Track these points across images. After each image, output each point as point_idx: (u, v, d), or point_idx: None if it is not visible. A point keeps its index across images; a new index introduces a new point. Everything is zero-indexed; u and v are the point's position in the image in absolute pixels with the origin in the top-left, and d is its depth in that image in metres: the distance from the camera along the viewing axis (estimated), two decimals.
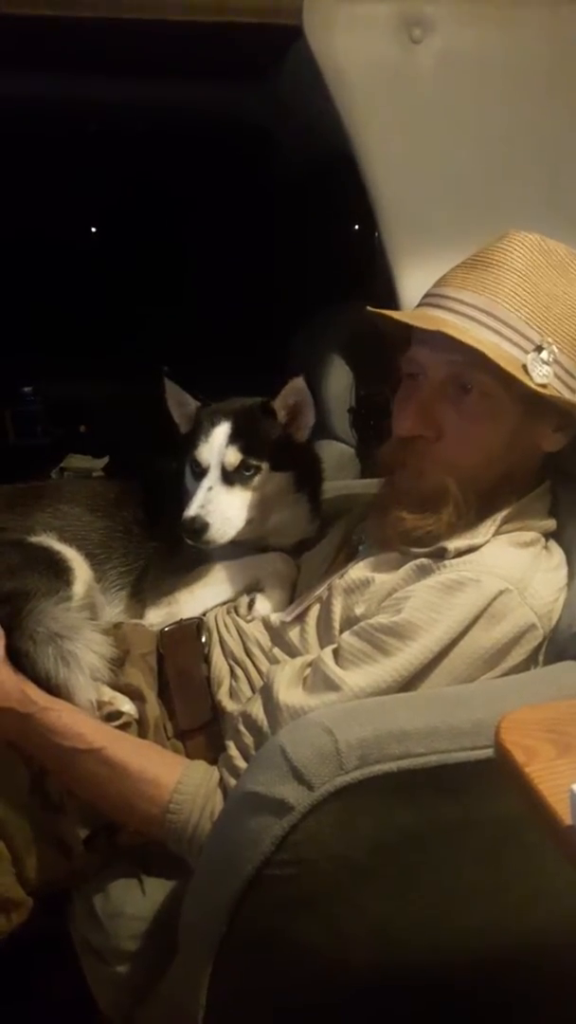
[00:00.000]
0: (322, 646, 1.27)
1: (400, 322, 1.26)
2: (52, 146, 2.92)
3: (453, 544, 1.23)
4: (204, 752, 1.31)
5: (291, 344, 2.81)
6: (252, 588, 1.49)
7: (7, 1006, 1.43)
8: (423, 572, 1.23)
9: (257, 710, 1.20)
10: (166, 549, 1.53)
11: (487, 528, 1.24)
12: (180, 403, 1.58)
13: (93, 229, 3.45)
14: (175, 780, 1.19)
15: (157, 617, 1.48)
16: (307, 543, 1.56)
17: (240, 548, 1.51)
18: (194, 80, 2.50)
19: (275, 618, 1.38)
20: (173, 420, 1.60)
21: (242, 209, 3.13)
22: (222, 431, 1.48)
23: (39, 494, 1.62)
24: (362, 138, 1.84)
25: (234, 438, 1.48)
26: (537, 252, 1.22)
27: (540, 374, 1.18)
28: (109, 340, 3.24)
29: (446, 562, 1.22)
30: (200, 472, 1.48)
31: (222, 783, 1.19)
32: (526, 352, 1.18)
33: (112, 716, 1.31)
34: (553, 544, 1.29)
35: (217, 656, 1.38)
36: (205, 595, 1.49)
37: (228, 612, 1.45)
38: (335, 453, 2.46)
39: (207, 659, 1.38)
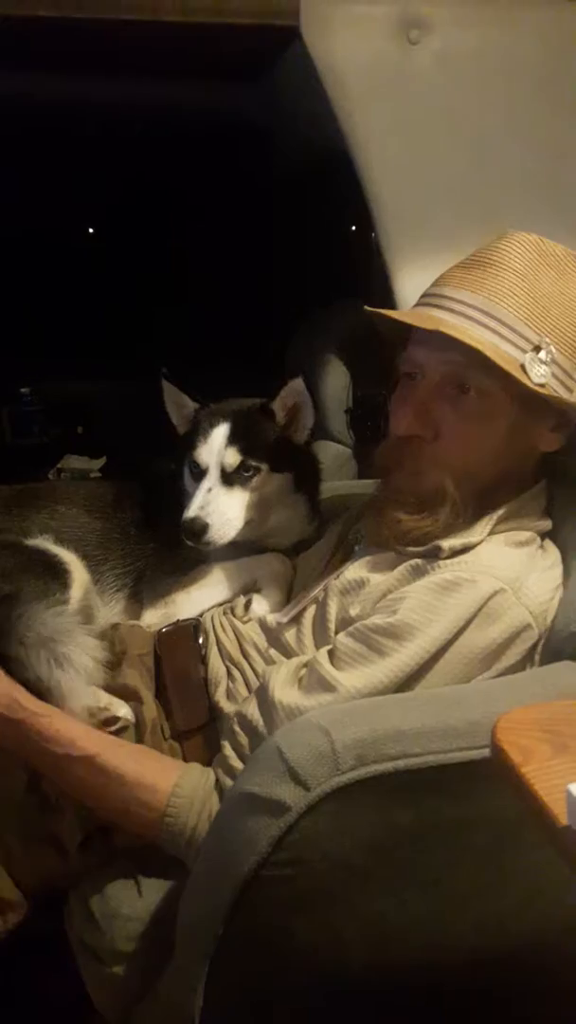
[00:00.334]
0: (318, 647, 1.27)
1: (397, 322, 1.26)
2: (50, 146, 2.91)
3: (448, 543, 1.23)
4: (201, 753, 1.31)
5: (288, 344, 2.81)
6: (249, 589, 1.49)
7: (4, 1007, 1.43)
8: (417, 572, 1.23)
9: (253, 710, 1.20)
10: (163, 550, 1.53)
11: (482, 527, 1.25)
12: (178, 404, 1.58)
13: (91, 230, 3.45)
14: (171, 784, 1.19)
15: (154, 618, 1.48)
16: (305, 543, 1.56)
17: (238, 549, 1.51)
18: (192, 81, 2.50)
19: (271, 619, 1.38)
20: (171, 421, 1.60)
21: (240, 210, 3.13)
22: (221, 432, 1.48)
23: (36, 495, 1.62)
24: (359, 139, 1.85)
25: (233, 439, 1.47)
26: (535, 252, 1.22)
27: (538, 374, 1.18)
28: (107, 341, 3.24)
29: (441, 562, 1.22)
30: (199, 473, 1.48)
31: (218, 784, 1.19)
32: (524, 352, 1.19)
33: (109, 721, 1.31)
34: (548, 543, 1.29)
35: (214, 657, 1.38)
36: (202, 596, 1.49)
37: (225, 613, 1.45)
38: (332, 454, 2.46)
39: (204, 660, 1.38)
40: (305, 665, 1.21)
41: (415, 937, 1.05)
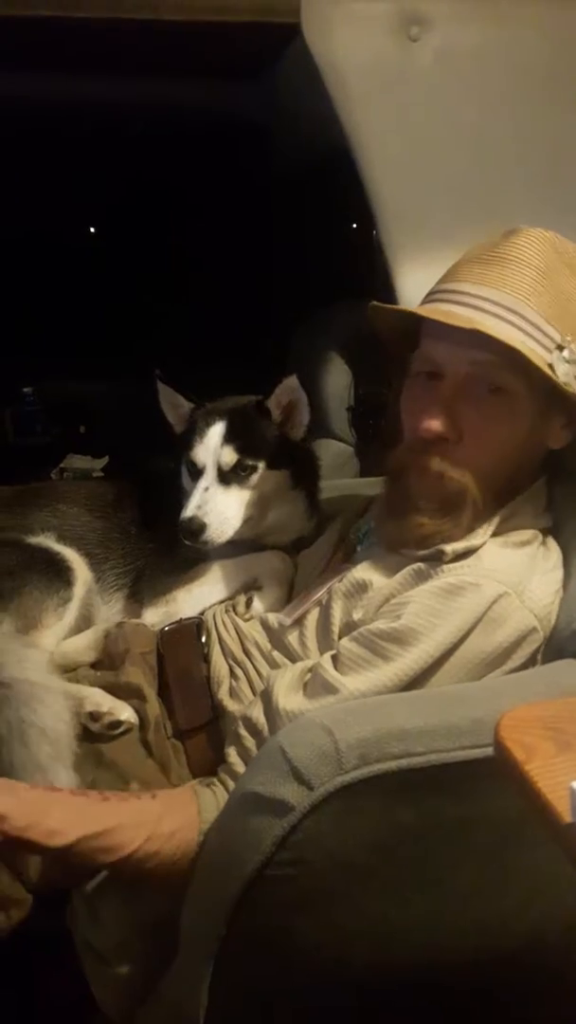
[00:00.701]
0: (321, 651, 1.26)
1: (399, 320, 1.25)
2: (49, 146, 2.92)
3: (451, 547, 1.22)
4: (203, 752, 1.31)
5: (290, 343, 2.81)
6: (249, 587, 1.49)
7: (7, 1006, 1.43)
8: (421, 577, 1.22)
9: (258, 714, 1.19)
10: (163, 549, 1.53)
11: (484, 530, 1.23)
12: (173, 405, 1.58)
13: (92, 229, 3.45)
14: (193, 815, 1.13)
15: (155, 617, 1.48)
16: (304, 540, 1.56)
17: (237, 547, 1.51)
18: (192, 79, 2.50)
19: (274, 620, 1.37)
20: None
21: (240, 208, 3.13)
22: (217, 431, 1.48)
23: (38, 494, 1.62)
24: (360, 136, 1.84)
25: (229, 438, 1.47)
26: (552, 249, 1.21)
27: (563, 372, 1.17)
28: (108, 340, 3.24)
29: (444, 566, 1.20)
30: (196, 473, 1.48)
31: (227, 791, 1.18)
32: (550, 351, 1.17)
33: (112, 725, 1.31)
34: (551, 541, 1.28)
35: (216, 656, 1.38)
36: (202, 594, 1.49)
37: (227, 611, 1.44)
38: (334, 452, 2.46)
39: (207, 659, 1.38)
40: (309, 670, 1.21)
41: (418, 936, 1.05)
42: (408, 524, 1.25)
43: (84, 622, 1.51)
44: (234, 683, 1.34)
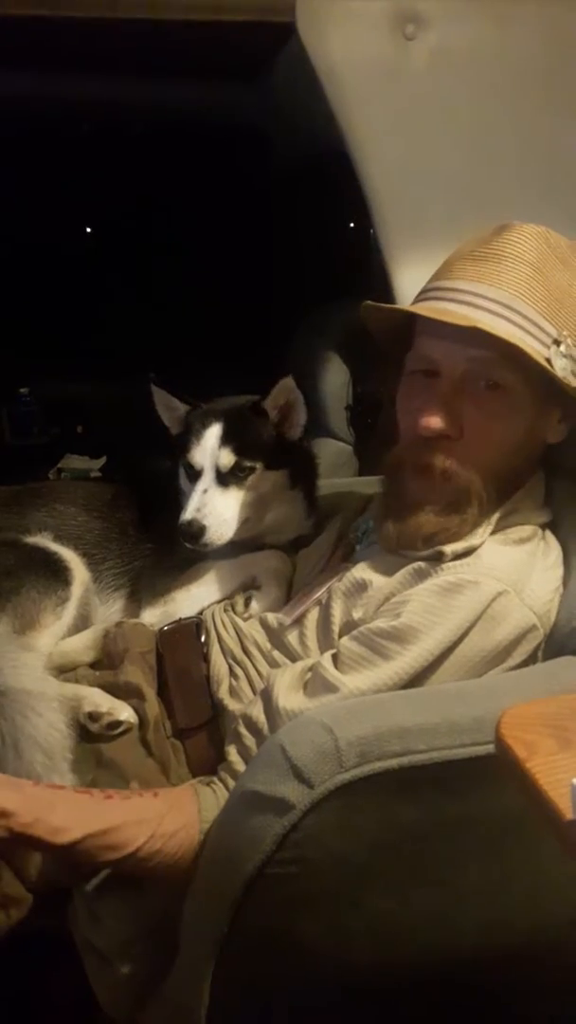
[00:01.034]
0: (321, 650, 1.26)
1: (394, 318, 1.24)
2: (47, 147, 2.92)
3: (450, 548, 1.21)
4: (203, 751, 1.31)
5: (288, 342, 2.81)
6: (248, 586, 1.49)
7: (7, 1006, 1.43)
8: (420, 576, 1.22)
9: (258, 713, 1.19)
10: (162, 549, 1.53)
11: (484, 528, 1.23)
12: (168, 407, 1.57)
13: (88, 229, 3.45)
14: (194, 814, 1.13)
15: (153, 617, 1.48)
16: (303, 540, 1.56)
17: (236, 546, 1.50)
18: (189, 79, 2.50)
19: (273, 619, 1.37)
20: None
21: (237, 207, 3.13)
22: (214, 433, 1.48)
23: (35, 494, 1.62)
24: (356, 135, 1.84)
25: (227, 439, 1.47)
26: (545, 244, 1.21)
27: (561, 367, 1.17)
28: (106, 341, 3.24)
29: (443, 565, 1.20)
30: (194, 474, 1.48)
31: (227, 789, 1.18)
32: (547, 347, 1.18)
33: (112, 725, 1.31)
34: (551, 537, 1.28)
35: (216, 655, 1.37)
36: (201, 594, 1.49)
37: (225, 610, 1.44)
38: (332, 451, 2.46)
39: (206, 658, 1.38)
40: (309, 669, 1.21)
41: (419, 934, 1.05)
42: (414, 523, 1.25)
43: (82, 622, 1.51)
44: (234, 682, 1.34)
